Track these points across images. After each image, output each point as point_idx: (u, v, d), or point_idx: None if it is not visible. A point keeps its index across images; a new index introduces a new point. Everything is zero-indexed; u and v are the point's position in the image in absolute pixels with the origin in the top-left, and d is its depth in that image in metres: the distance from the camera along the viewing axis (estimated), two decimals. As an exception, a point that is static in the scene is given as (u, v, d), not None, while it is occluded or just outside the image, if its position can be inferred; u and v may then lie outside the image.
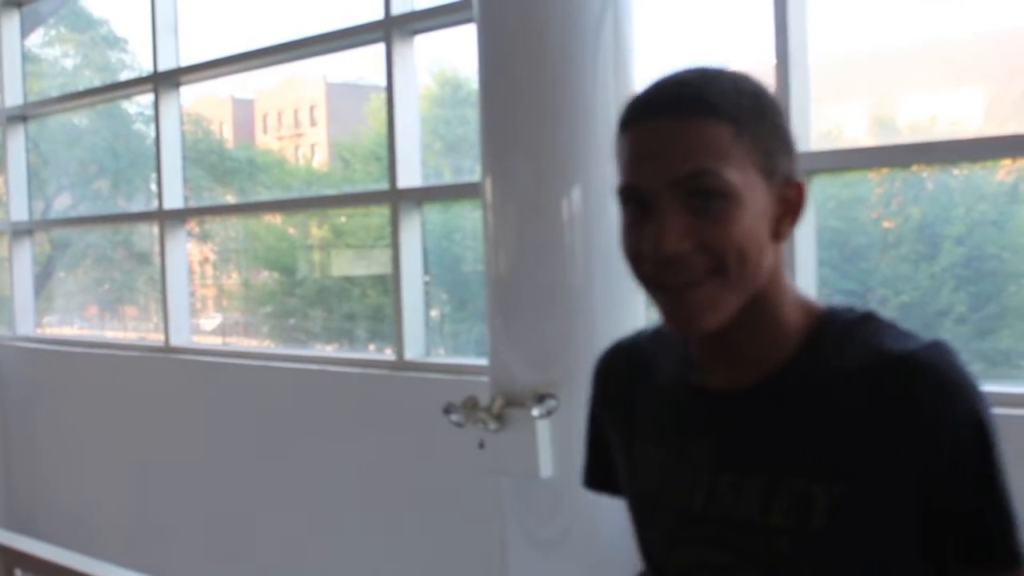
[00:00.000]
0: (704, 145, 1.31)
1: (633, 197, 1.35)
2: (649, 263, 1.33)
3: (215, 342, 8.44)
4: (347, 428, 5.47)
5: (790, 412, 1.37)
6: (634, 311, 4.12)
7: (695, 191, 1.31)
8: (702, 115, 1.32)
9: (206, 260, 9.93)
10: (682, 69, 1.39)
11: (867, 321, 1.39)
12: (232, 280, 10.13)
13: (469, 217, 5.88)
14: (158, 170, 6.71)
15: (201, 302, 9.17)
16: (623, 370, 1.66)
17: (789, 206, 1.39)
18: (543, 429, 3.93)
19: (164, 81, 6.68)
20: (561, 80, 4.01)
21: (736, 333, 1.38)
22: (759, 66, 4.62)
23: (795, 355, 1.39)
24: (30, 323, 8.06)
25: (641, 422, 1.58)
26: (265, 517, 5.96)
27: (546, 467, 3.94)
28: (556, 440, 3.94)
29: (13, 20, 7.96)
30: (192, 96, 7.42)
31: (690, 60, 1.42)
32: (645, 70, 4.22)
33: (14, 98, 7.94)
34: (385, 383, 5.28)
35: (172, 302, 6.66)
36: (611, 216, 4.01)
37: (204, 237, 9.44)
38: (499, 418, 4.01)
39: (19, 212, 7.99)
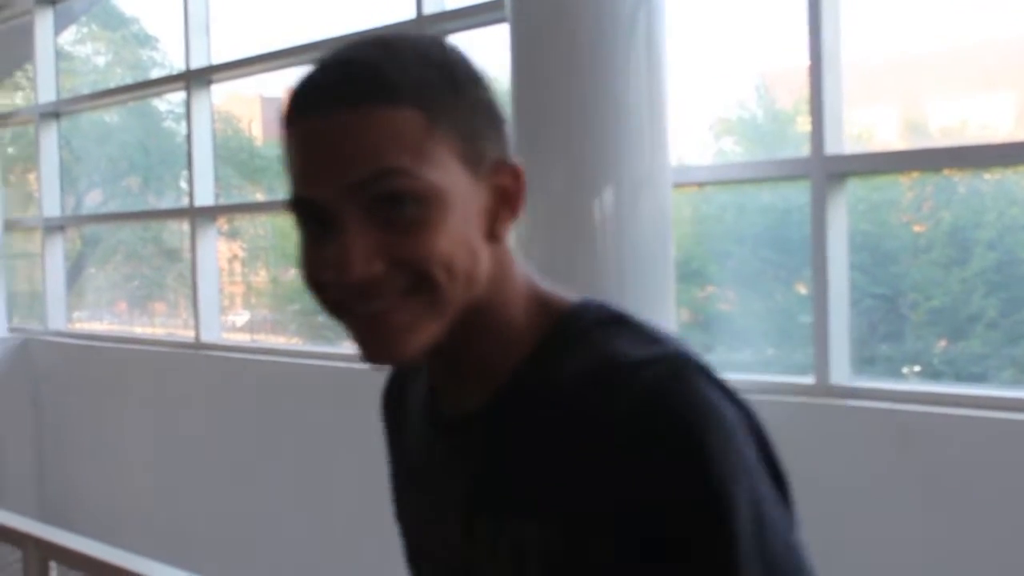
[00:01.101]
0: (387, 139, 1.05)
1: (307, 212, 1.08)
2: (334, 289, 1.08)
3: (244, 339, 8.47)
4: (375, 425, 5.47)
5: (514, 434, 1.13)
6: (667, 313, 4.11)
7: (382, 197, 1.05)
8: (382, 101, 1.05)
9: (235, 257, 9.96)
10: (356, 42, 1.11)
11: (613, 323, 1.12)
12: (260, 277, 10.17)
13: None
14: (189, 167, 6.73)
15: (229, 299, 9.19)
16: (393, 401, 1.43)
17: (504, 196, 1.12)
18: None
19: (196, 79, 6.70)
20: (593, 79, 4.00)
21: (456, 349, 1.13)
22: (792, 69, 4.61)
23: (523, 365, 1.14)
24: (62, 318, 8.10)
25: (405, 462, 1.36)
26: (293, 514, 5.97)
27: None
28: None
29: (47, 18, 8.00)
30: (222, 94, 7.44)
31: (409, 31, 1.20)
32: (678, 70, 4.21)
33: (47, 95, 7.98)
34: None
35: (203, 298, 6.69)
36: (644, 217, 4.03)
37: (233, 234, 9.47)
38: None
39: (51, 208, 8.03)
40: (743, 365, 5.49)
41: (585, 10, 4.00)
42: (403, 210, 1.05)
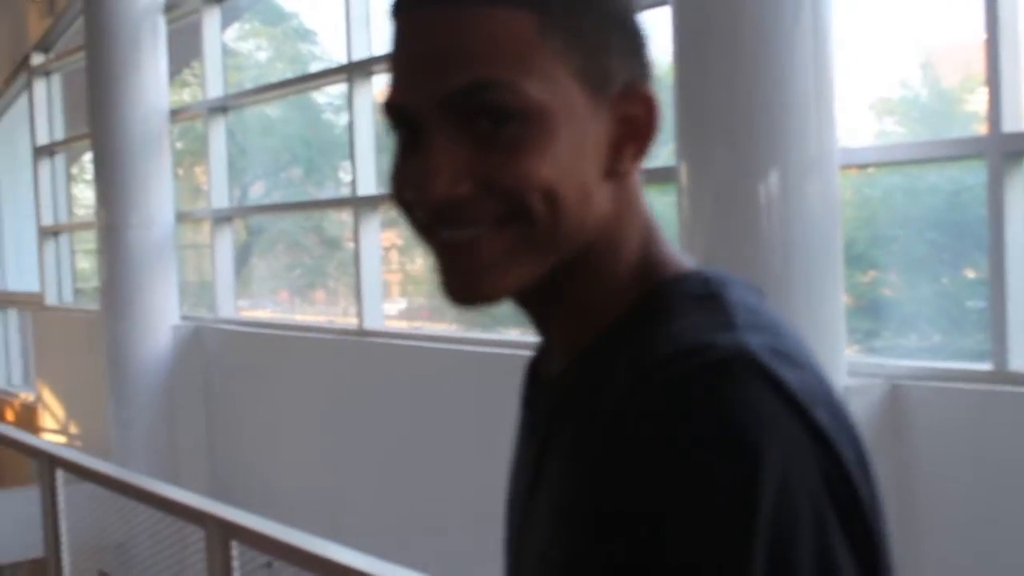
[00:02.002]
0: (491, 43, 0.90)
1: (400, 120, 0.94)
2: (420, 210, 0.93)
3: (402, 326, 8.59)
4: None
5: (564, 415, 0.96)
6: (834, 296, 4.02)
7: (477, 112, 0.90)
8: (483, 2, 0.90)
9: (392, 246, 10.10)
10: None
11: (703, 299, 0.92)
12: (417, 265, 10.29)
13: (658, 202, 5.82)
14: (351, 158, 6.84)
15: (386, 287, 9.33)
16: (531, 371, 1.14)
17: (631, 128, 0.95)
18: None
19: (358, 71, 6.80)
20: (757, 59, 3.94)
21: (553, 300, 0.97)
22: (959, 45, 4.45)
23: (602, 335, 0.96)
24: (231, 306, 8.32)
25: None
26: (452, 495, 6.03)
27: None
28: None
29: (214, 16, 8.22)
30: (381, 84, 7.53)
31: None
32: (845, 49, 4.11)
33: (215, 91, 8.20)
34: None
35: (366, 286, 6.79)
36: (812, 200, 3.95)
37: (390, 223, 9.60)
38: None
39: (220, 200, 8.26)
40: (908, 351, 5.35)
41: (750, -10, 3.94)
42: (500, 128, 0.90)
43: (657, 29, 5.23)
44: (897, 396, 4.08)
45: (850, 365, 4.14)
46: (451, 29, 0.90)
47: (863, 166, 4.87)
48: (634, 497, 0.81)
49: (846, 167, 4.41)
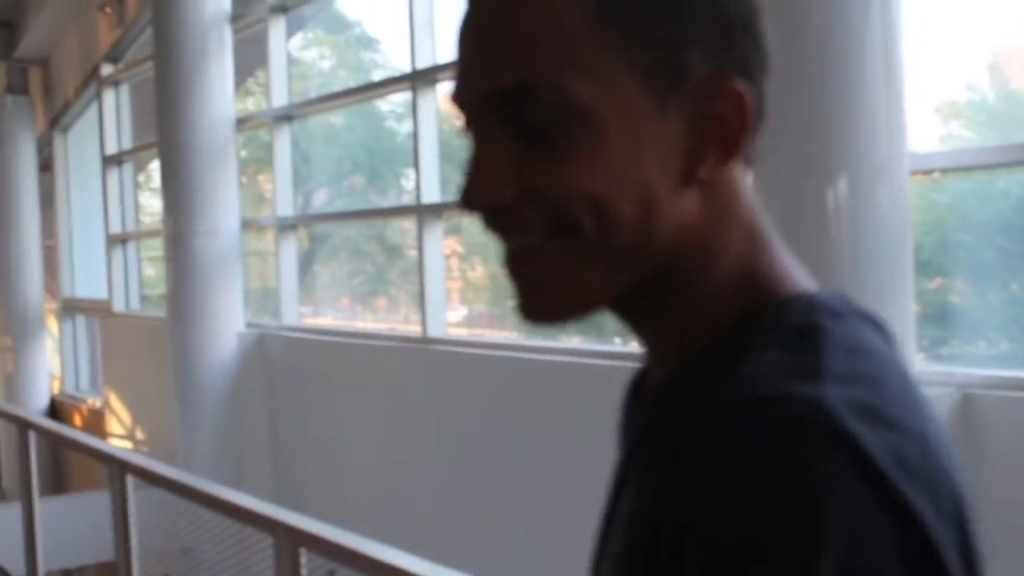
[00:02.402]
0: (538, 35, 0.82)
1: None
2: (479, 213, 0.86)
3: (463, 333, 8.59)
4: (597, 421, 5.45)
5: (648, 440, 0.86)
6: (904, 303, 3.96)
7: (524, 112, 0.83)
8: None
9: (452, 253, 10.12)
10: None
11: (803, 335, 0.80)
12: (477, 273, 10.30)
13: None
14: (416, 166, 6.86)
15: (448, 294, 9.34)
16: (632, 387, 1.05)
17: (717, 127, 0.84)
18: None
19: (422, 79, 6.82)
20: (826, 64, 3.90)
21: (645, 314, 0.88)
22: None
23: (682, 364, 0.86)
24: (295, 314, 8.38)
25: None
26: (514, 503, 6.01)
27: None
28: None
29: (279, 25, 8.27)
30: (445, 92, 7.55)
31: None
32: (916, 51, 4.05)
33: (280, 99, 8.26)
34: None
35: (429, 294, 6.80)
36: (881, 205, 3.90)
37: (451, 231, 9.62)
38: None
39: (285, 208, 8.31)
40: (976, 359, 5.27)
41: (817, -7, 3.90)
42: (547, 131, 0.82)
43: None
44: (968, 405, 4.00)
45: (920, 375, 4.08)
46: (500, 18, 0.84)
47: (932, 171, 4.80)
48: (684, 533, 0.73)
49: (915, 172, 4.35)
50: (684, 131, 0.83)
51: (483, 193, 0.84)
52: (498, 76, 0.83)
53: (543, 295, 0.85)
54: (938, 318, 5.58)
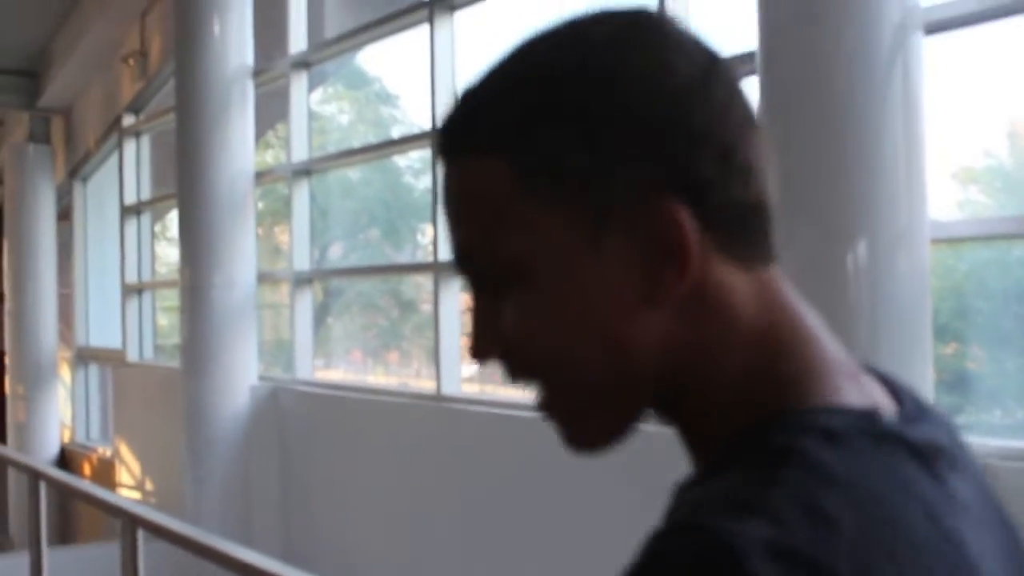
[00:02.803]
0: (470, 200, 0.84)
1: None
2: None
3: (474, 390, 8.56)
4: (619, 480, 5.41)
5: None
6: (923, 371, 3.94)
7: (476, 271, 0.86)
8: (467, 148, 0.84)
9: (465, 309, 10.12)
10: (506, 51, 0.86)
11: (765, 461, 0.76)
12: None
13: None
14: (434, 223, 6.87)
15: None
16: None
17: (658, 247, 0.80)
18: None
19: (440, 136, 6.84)
20: (846, 129, 3.92)
21: (676, 430, 0.88)
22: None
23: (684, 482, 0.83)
24: (309, 367, 8.35)
25: None
26: (530, 566, 5.95)
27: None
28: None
29: (302, 80, 8.32)
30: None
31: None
32: (935, 117, 4.06)
33: (300, 154, 8.28)
34: (656, 436, 5.19)
35: (444, 351, 6.77)
36: (900, 270, 3.88)
37: (466, 287, 9.62)
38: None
39: (301, 262, 8.31)
40: (992, 428, 5.24)
41: (838, 59, 3.92)
42: (495, 286, 0.84)
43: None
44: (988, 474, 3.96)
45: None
46: (451, 190, 0.86)
47: (953, 240, 4.78)
48: None
49: (936, 241, 4.34)
50: (629, 258, 0.81)
51: (477, 351, 0.86)
52: (454, 239, 0.86)
53: (572, 434, 0.87)
54: (954, 385, 5.55)
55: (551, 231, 0.81)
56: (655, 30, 0.84)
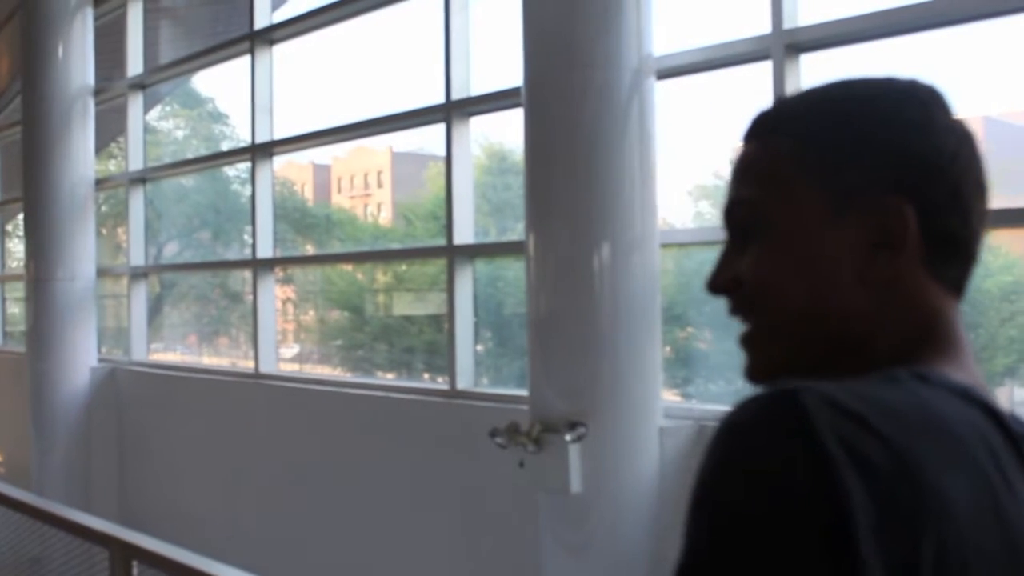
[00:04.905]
0: (752, 169, 0.94)
1: None
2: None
3: (294, 369, 8.45)
4: (405, 447, 5.43)
5: None
6: (653, 354, 4.08)
7: (738, 219, 0.95)
8: (763, 135, 0.95)
9: (288, 300, 9.96)
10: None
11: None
12: (309, 317, 10.17)
13: (511, 268, 5.86)
14: (253, 225, 6.73)
15: (282, 334, 9.18)
16: None
17: (882, 235, 0.88)
18: (574, 452, 3.89)
19: (260, 152, 6.72)
20: (593, 154, 4.01)
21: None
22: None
23: None
24: (143, 350, 8.08)
25: None
26: (334, 521, 5.92)
27: (576, 484, 3.90)
28: (585, 461, 3.89)
29: (137, 100, 8.05)
30: (280, 161, 7.46)
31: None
32: (665, 143, 4.21)
33: (136, 164, 8.02)
34: (439, 409, 5.24)
35: (262, 335, 6.66)
36: (635, 269, 4.00)
37: (287, 280, 9.48)
38: (537, 442, 3.97)
39: (137, 258, 8.04)
40: (717, 395, 5.45)
41: (587, 97, 4.01)
42: (750, 235, 0.92)
43: (509, 124, 5.32)
44: (703, 436, 4.13)
45: (667, 408, 4.20)
46: (740, 159, 0.96)
47: (683, 245, 4.96)
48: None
49: (667, 245, 4.49)
50: (856, 237, 0.88)
51: (714, 283, 0.94)
52: (730, 197, 0.95)
53: (750, 357, 0.94)
54: (687, 361, 5.76)
55: (806, 202, 0.90)
56: (932, 92, 0.94)
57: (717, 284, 0.95)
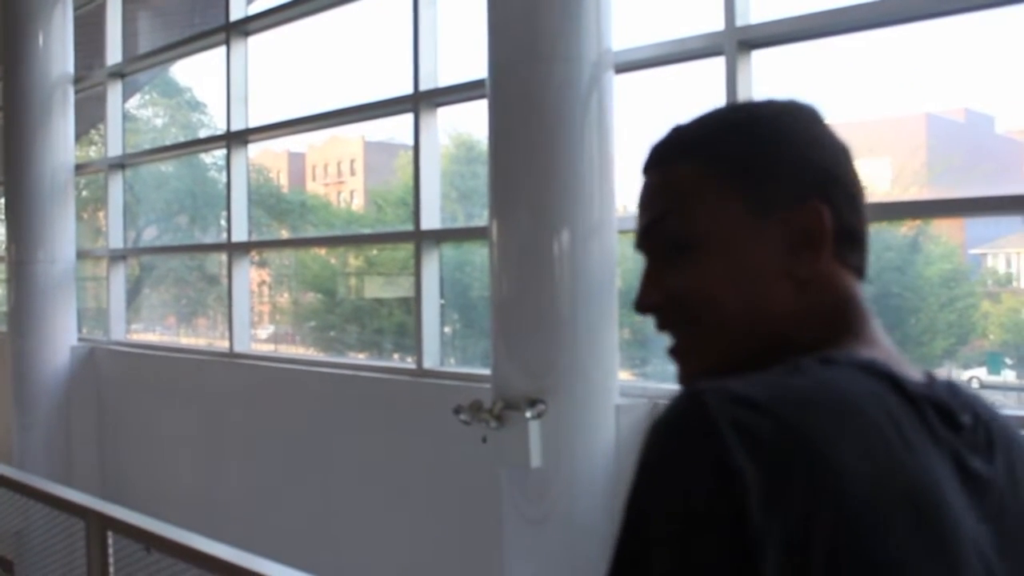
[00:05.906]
0: (668, 190, 0.96)
1: None
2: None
3: (269, 349, 8.40)
4: (374, 424, 5.43)
5: None
6: (610, 336, 4.09)
7: (658, 239, 0.97)
8: (669, 162, 0.97)
9: (263, 282, 9.89)
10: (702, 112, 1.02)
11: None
12: (283, 299, 10.10)
13: (477, 253, 5.86)
14: (228, 210, 6.68)
15: (258, 316, 9.12)
16: None
17: (802, 236, 0.93)
18: (534, 428, 3.90)
19: (235, 139, 6.66)
20: (554, 144, 4.01)
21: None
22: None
23: None
24: (122, 330, 8.01)
25: None
26: (305, 494, 5.91)
27: (536, 459, 3.91)
28: (545, 437, 3.91)
29: (117, 88, 7.95)
30: (256, 149, 7.40)
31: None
32: (626, 135, 4.21)
33: (115, 150, 7.93)
34: (406, 387, 5.24)
35: (236, 316, 6.62)
36: (594, 255, 4.01)
37: (262, 264, 9.41)
38: (499, 418, 3.98)
39: (116, 241, 7.96)
40: (672, 375, 5.47)
41: (548, 91, 4.01)
42: (676, 251, 0.94)
43: (475, 114, 5.30)
44: (658, 413, 4.14)
45: (623, 387, 4.22)
46: (650, 183, 0.98)
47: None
48: None
49: (624, 232, 4.51)
50: (781, 241, 0.93)
51: (641, 303, 0.97)
52: (642, 220, 0.98)
53: (683, 367, 0.96)
54: (644, 343, 5.78)
55: (729, 214, 0.93)
56: (812, 111, 1.00)
57: (646, 304, 0.97)
